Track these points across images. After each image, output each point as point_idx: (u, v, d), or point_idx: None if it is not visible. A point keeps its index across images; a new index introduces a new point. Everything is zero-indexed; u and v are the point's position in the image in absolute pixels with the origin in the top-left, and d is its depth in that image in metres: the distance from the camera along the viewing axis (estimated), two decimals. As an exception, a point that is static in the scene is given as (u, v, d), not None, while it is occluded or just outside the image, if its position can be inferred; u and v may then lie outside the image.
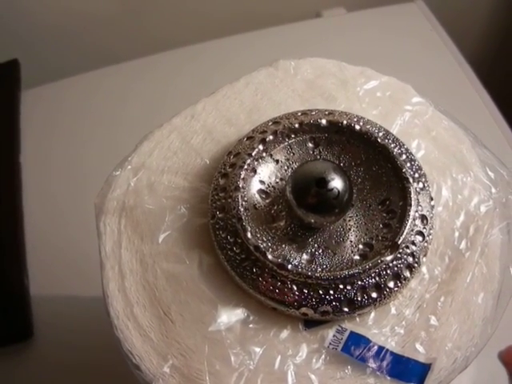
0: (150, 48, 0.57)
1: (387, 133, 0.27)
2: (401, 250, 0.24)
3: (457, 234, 0.25)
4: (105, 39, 0.66)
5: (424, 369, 0.23)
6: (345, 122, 0.27)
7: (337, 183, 0.23)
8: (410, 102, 0.30)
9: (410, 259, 0.24)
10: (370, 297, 0.23)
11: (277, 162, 0.27)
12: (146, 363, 0.23)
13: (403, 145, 0.27)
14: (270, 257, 0.23)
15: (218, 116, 0.29)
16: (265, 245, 0.24)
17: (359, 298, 0.23)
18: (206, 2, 0.65)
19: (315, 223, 0.24)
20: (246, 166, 0.25)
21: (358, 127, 0.27)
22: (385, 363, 0.23)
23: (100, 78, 0.59)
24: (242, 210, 0.24)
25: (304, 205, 0.24)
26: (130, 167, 0.27)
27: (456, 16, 0.68)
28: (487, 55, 0.79)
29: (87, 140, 0.54)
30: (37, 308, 0.44)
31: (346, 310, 0.23)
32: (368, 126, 0.27)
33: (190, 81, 0.54)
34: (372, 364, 0.23)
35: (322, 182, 0.23)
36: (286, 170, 0.27)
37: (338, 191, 0.23)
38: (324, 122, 0.27)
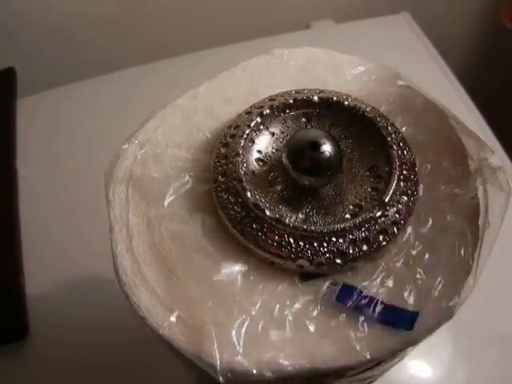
0: (147, 56, 0.59)
1: (374, 109, 0.29)
2: (388, 208, 0.26)
3: (440, 196, 0.27)
4: (101, 47, 0.67)
5: (412, 316, 0.24)
6: (335, 98, 0.29)
7: (328, 147, 0.26)
8: (396, 84, 0.32)
9: (397, 216, 0.26)
10: (360, 249, 0.25)
11: (272, 134, 0.29)
12: (153, 315, 0.25)
13: (388, 119, 0.29)
14: (268, 213, 0.25)
15: (218, 97, 0.31)
16: (263, 204, 0.26)
17: (351, 251, 0.25)
18: (197, 14, 0.68)
19: (309, 185, 0.26)
20: (245, 136, 0.28)
21: (346, 103, 0.29)
22: (376, 312, 0.25)
23: (96, 86, 0.59)
24: (242, 173, 0.26)
25: (299, 168, 0.26)
26: (136, 142, 0.29)
27: (442, 28, 0.72)
28: (473, 67, 0.82)
29: (83, 148, 0.55)
30: (32, 307, 0.45)
31: (338, 261, 0.25)
32: (356, 103, 0.29)
33: (185, 90, 0.56)
34: (364, 313, 0.24)
35: (315, 145, 0.25)
36: (281, 142, 0.29)
37: (330, 154, 0.26)
38: (316, 98, 0.29)
